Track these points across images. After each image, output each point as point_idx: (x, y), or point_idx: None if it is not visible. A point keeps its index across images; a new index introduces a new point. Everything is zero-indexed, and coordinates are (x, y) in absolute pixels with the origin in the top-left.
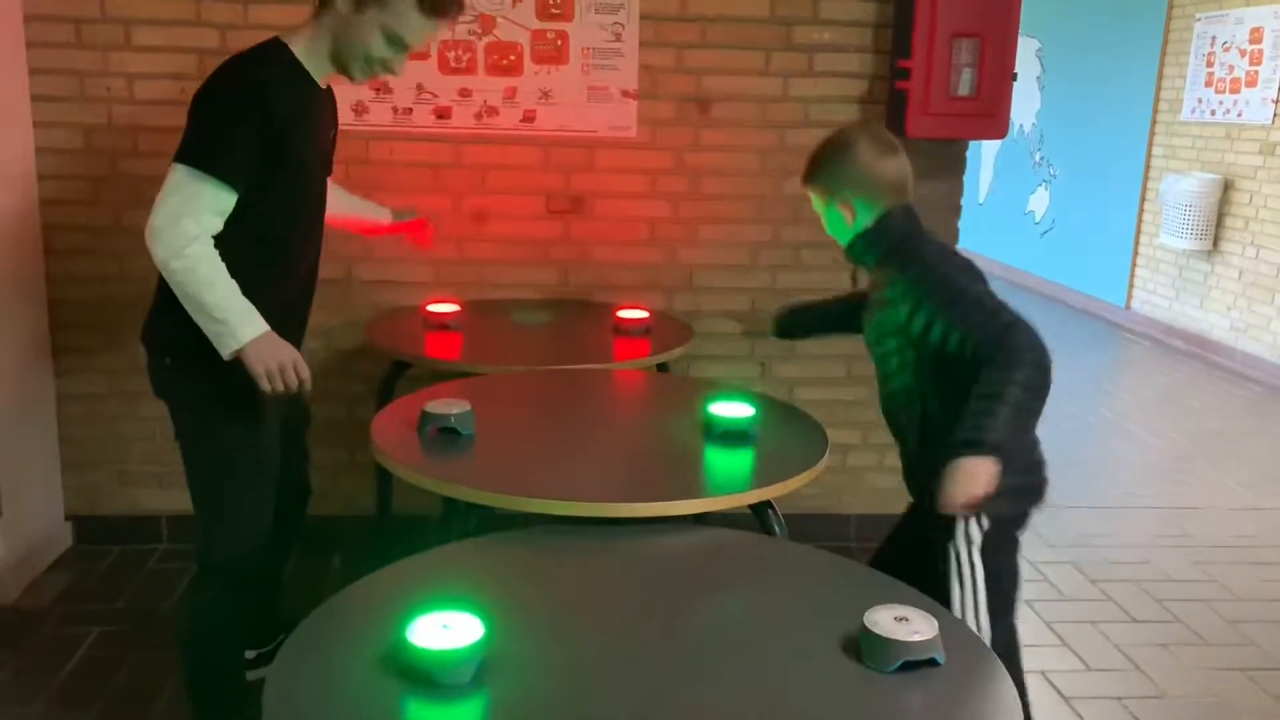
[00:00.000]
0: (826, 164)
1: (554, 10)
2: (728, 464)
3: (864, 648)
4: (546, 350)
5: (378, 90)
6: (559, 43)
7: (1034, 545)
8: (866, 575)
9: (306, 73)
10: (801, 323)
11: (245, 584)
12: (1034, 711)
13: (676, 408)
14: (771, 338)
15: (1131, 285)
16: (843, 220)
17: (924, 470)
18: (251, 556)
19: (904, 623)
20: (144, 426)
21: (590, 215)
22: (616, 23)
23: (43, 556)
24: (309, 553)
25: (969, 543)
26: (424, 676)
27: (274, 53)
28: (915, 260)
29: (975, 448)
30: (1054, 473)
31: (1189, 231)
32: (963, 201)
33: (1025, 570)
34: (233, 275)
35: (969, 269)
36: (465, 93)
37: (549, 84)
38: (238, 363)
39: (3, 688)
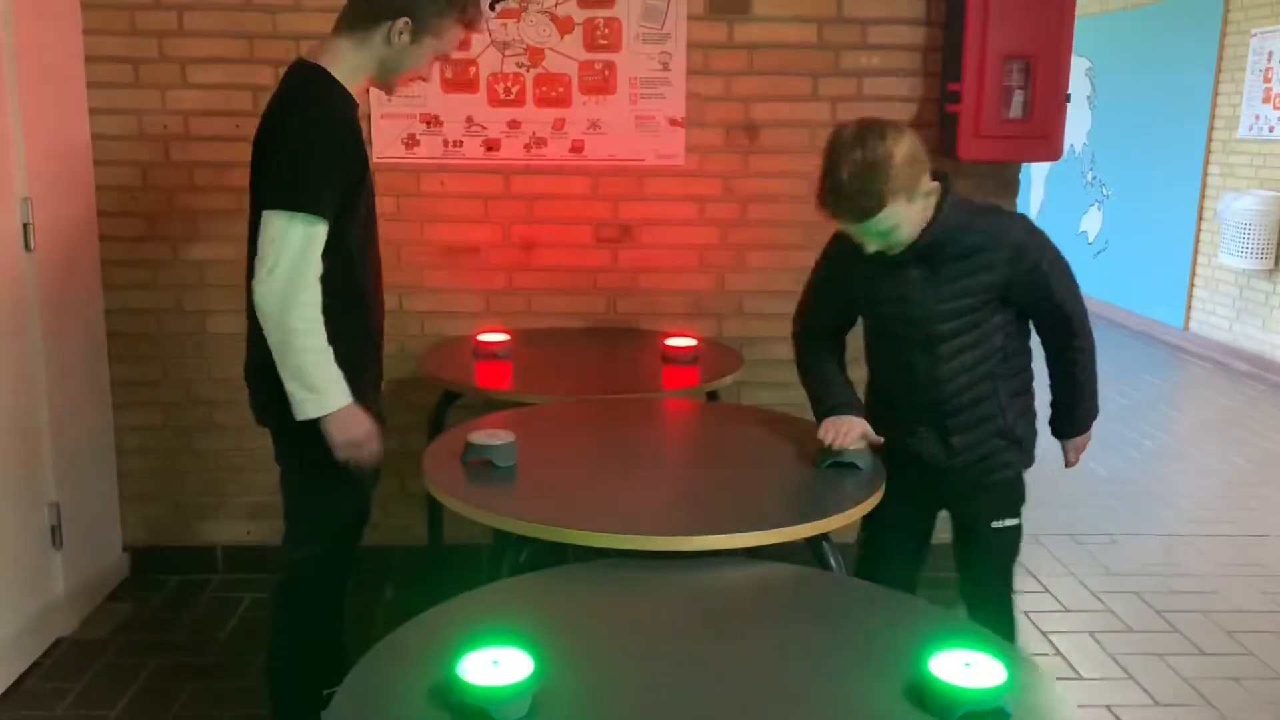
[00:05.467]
0: (895, 172)
1: (601, 41)
2: (781, 495)
3: (926, 694)
4: (596, 379)
5: (429, 123)
6: (606, 73)
7: (1095, 574)
8: (930, 614)
9: (351, 96)
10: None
11: (328, 601)
12: None
13: (728, 437)
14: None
15: (1190, 306)
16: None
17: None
18: (338, 559)
19: (970, 668)
20: (199, 459)
21: (638, 243)
22: (664, 52)
23: (102, 587)
24: (361, 583)
25: (1018, 509)
26: (479, 713)
27: (326, 82)
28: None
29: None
30: (1115, 499)
31: (1249, 251)
32: None
33: (1087, 600)
34: (325, 314)
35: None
36: (514, 124)
37: (597, 114)
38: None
39: (63, 717)
